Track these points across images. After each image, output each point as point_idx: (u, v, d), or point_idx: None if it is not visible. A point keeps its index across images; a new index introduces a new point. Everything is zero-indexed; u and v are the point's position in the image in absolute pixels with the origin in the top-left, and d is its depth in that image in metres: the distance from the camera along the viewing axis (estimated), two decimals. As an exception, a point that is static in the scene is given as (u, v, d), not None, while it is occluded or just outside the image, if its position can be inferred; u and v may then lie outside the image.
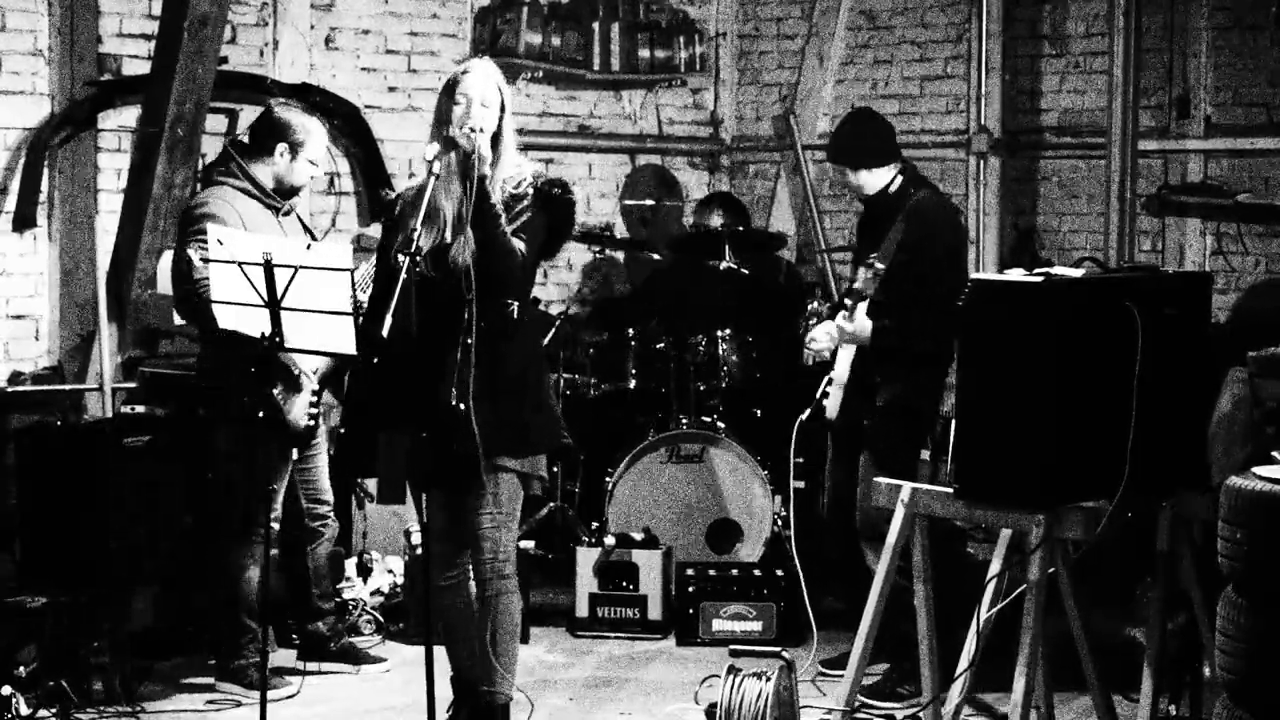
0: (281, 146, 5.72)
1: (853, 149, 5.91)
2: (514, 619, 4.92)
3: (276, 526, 5.75)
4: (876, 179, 5.87)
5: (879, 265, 5.63)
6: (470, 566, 4.94)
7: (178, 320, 6.28)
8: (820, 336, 5.91)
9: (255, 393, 5.39)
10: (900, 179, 5.87)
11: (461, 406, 4.70)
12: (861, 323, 5.71)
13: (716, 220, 8.11)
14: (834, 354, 5.84)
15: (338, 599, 6.35)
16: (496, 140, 4.81)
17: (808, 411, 5.84)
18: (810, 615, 5.87)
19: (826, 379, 5.83)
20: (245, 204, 5.66)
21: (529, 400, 4.89)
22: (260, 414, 5.37)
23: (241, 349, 4.99)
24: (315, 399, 5.70)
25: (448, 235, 4.77)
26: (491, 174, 4.77)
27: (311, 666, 5.89)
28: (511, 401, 4.84)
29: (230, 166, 5.74)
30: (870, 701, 5.60)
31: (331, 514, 6.04)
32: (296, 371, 5.61)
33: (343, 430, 6.37)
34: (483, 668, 4.89)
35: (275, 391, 5.54)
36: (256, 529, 5.68)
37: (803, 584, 5.97)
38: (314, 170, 5.85)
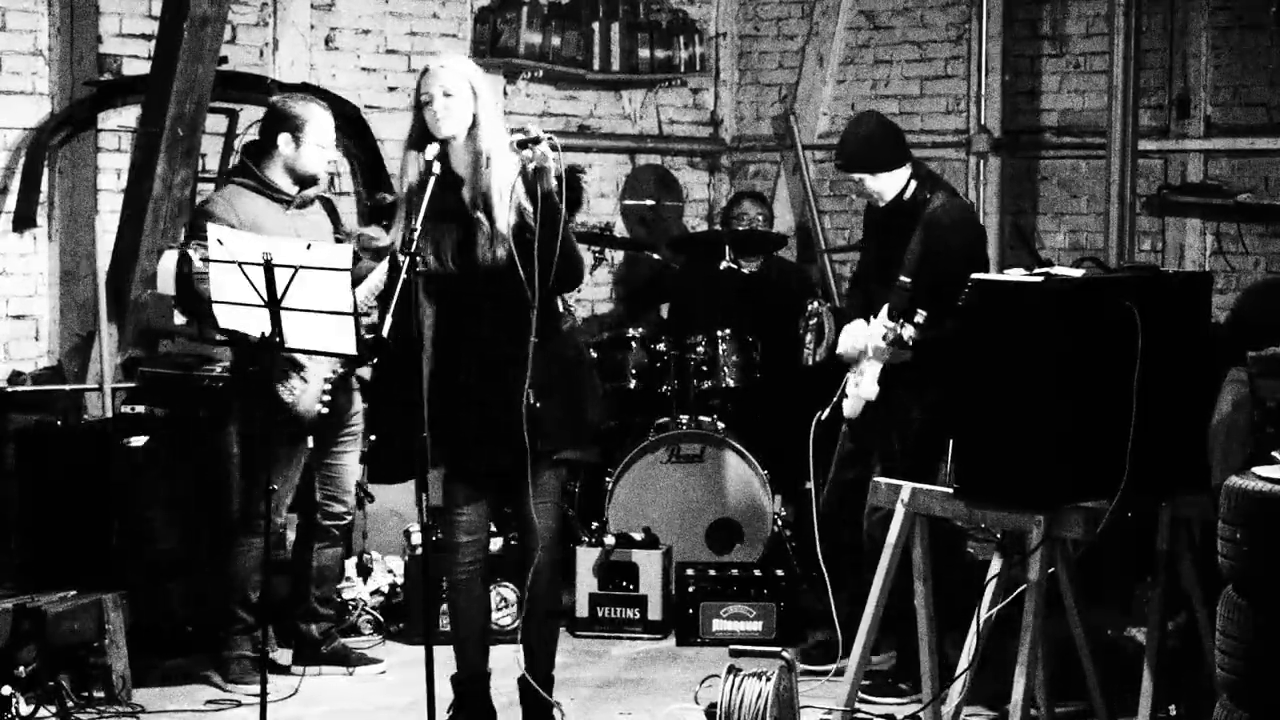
0: (284, 136, 5.75)
1: (863, 154, 5.75)
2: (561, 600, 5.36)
3: (280, 521, 5.77)
4: (891, 183, 5.74)
5: (905, 279, 5.53)
6: (484, 560, 5.13)
7: (178, 320, 6.29)
8: (857, 336, 5.70)
9: (263, 390, 5.42)
10: (914, 184, 5.74)
11: (538, 405, 4.84)
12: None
13: (753, 214, 8.07)
14: (857, 362, 5.68)
15: (337, 599, 6.35)
16: (474, 128, 4.80)
17: (826, 411, 5.75)
18: (835, 620, 5.66)
19: (846, 380, 5.70)
20: (249, 201, 5.69)
21: (590, 391, 5.13)
22: (270, 410, 5.44)
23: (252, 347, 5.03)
24: (328, 385, 5.71)
25: (494, 244, 4.78)
26: (487, 162, 4.79)
27: (307, 669, 5.89)
28: (575, 394, 5.03)
29: (241, 167, 5.83)
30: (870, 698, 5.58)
31: (347, 516, 6.04)
32: (304, 363, 5.63)
33: (373, 437, 6.34)
34: (542, 653, 5.12)
35: (289, 384, 5.55)
36: (255, 521, 5.69)
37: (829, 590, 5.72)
38: (324, 153, 5.85)
